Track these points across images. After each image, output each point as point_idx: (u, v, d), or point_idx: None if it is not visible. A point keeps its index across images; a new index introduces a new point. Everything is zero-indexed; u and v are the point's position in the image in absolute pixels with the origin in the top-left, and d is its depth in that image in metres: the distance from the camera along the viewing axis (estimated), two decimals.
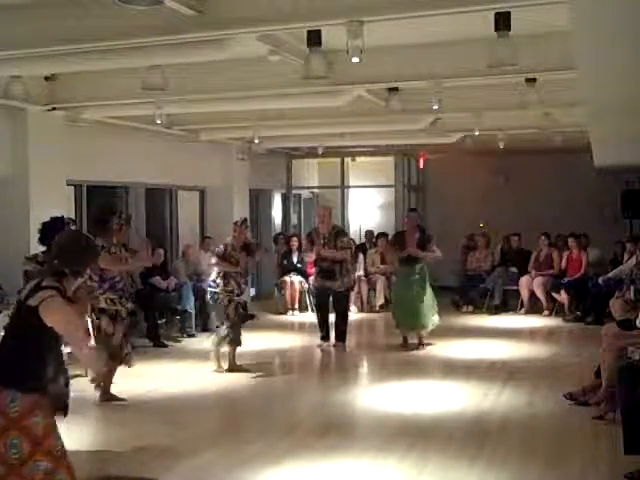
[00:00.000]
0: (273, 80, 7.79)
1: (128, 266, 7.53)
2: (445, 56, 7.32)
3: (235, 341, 8.63)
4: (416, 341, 10.24)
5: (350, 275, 10.46)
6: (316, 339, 10.45)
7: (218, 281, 8.67)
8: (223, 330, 8.61)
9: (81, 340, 3.75)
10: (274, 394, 8.08)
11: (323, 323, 10.36)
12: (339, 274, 9.99)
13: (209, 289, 9.01)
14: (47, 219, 6.74)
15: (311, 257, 10.30)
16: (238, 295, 8.67)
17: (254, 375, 8.60)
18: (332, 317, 10.39)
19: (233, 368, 8.70)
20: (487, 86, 8.65)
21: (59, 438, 3.62)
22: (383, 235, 14.11)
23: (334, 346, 10.20)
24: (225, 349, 8.74)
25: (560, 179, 15.35)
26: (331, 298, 10.21)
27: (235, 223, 9.08)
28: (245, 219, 9.34)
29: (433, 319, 10.20)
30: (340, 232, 10.32)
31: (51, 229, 6.51)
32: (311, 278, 11.20)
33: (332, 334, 10.31)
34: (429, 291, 10.24)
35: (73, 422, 6.40)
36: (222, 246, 8.86)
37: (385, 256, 13.66)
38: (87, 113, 9.53)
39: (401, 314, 10.25)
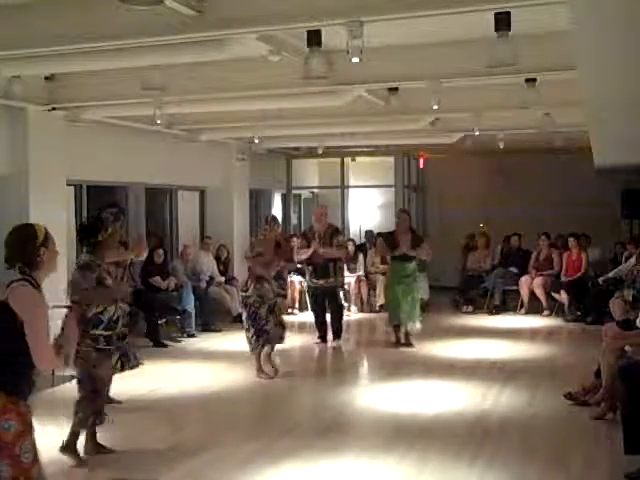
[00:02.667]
0: (273, 80, 7.79)
1: (125, 255, 7.11)
2: (445, 56, 7.32)
3: (272, 340, 8.53)
4: (404, 340, 10.37)
5: (343, 273, 10.74)
6: (315, 339, 10.55)
7: (249, 284, 8.52)
8: (251, 333, 8.45)
9: (44, 341, 3.50)
10: (274, 394, 8.08)
11: (321, 326, 10.50)
12: (332, 272, 10.14)
13: (241, 294, 8.83)
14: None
15: (307, 253, 10.30)
16: (276, 296, 8.57)
17: (253, 375, 8.60)
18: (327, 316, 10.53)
19: (273, 366, 8.66)
20: (487, 86, 8.65)
21: (30, 450, 3.44)
22: (380, 235, 14.10)
23: (331, 343, 10.39)
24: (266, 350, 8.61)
25: (560, 179, 15.34)
26: (325, 297, 10.37)
27: (265, 221, 9.03)
28: (274, 217, 9.29)
29: (416, 323, 10.33)
30: (336, 231, 10.45)
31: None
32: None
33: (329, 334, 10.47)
34: (416, 295, 10.40)
35: None
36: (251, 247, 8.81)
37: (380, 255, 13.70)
38: (87, 113, 9.53)
39: (393, 306, 10.35)
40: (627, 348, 6.55)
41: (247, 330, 8.47)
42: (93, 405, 5.91)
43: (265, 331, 8.40)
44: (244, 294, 8.55)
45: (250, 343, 8.49)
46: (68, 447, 5.82)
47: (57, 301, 8.52)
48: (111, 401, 7.28)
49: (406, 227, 10.39)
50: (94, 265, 5.91)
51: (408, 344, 10.27)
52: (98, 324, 5.87)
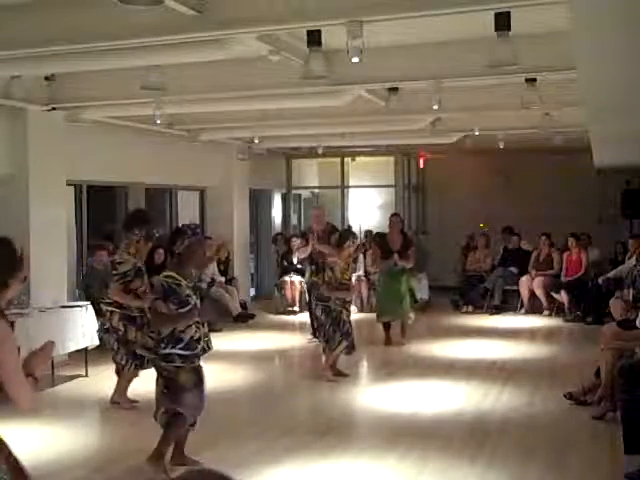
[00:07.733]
0: (273, 80, 7.79)
1: (140, 302, 7.09)
2: (445, 56, 7.31)
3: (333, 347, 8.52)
4: (399, 333, 10.52)
5: None
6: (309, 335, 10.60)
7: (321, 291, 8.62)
8: (323, 338, 8.52)
9: (21, 380, 3.06)
10: (273, 394, 8.07)
11: (313, 322, 10.54)
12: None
13: (317, 302, 8.72)
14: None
15: (306, 252, 10.38)
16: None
17: (253, 375, 8.60)
18: None
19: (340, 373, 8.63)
20: (487, 86, 8.65)
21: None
22: (378, 235, 14.09)
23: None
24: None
25: (560, 179, 15.34)
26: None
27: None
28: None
29: (410, 315, 10.61)
30: (334, 230, 10.53)
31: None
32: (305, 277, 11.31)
33: None
34: (407, 292, 10.58)
35: (75, 423, 6.44)
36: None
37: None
38: (87, 113, 9.53)
39: (384, 301, 10.57)
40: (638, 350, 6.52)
41: (333, 332, 8.44)
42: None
43: (349, 334, 8.48)
44: (323, 304, 8.50)
45: (332, 341, 8.46)
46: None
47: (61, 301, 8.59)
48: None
49: (398, 230, 10.72)
50: None
51: (402, 335, 10.44)
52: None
